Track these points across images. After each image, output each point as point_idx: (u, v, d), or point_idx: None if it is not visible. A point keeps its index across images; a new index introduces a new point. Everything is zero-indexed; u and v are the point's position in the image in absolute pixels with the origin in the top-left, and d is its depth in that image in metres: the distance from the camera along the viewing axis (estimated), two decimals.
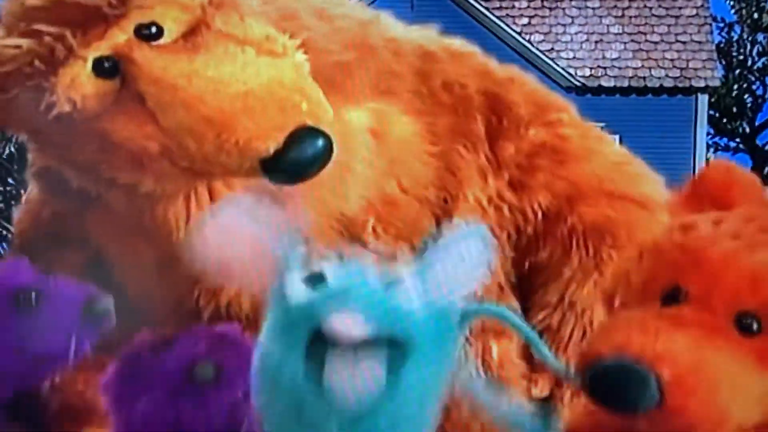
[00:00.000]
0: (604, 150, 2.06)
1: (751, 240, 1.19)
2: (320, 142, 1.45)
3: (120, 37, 1.53)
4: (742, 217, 1.24)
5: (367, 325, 1.06)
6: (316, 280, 1.12)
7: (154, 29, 1.56)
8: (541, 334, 1.85)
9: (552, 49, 17.59)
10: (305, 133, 1.44)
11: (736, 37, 22.21)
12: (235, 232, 1.17)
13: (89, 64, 1.52)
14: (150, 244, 1.76)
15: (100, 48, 1.52)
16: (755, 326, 1.16)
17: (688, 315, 1.17)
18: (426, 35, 2.03)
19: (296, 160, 1.44)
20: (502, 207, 1.92)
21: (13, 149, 19.21)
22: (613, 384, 1.14)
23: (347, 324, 1.06)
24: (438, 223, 1.87)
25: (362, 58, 1.89)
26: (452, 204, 1.89)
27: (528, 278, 1.94)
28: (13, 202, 20.06)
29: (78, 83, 1.50)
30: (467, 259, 1.15)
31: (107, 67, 1.52)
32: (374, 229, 1.83)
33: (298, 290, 1.11)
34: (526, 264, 1.92)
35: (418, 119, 1.89)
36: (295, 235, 1.17)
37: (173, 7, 1.57)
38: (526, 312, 1.93)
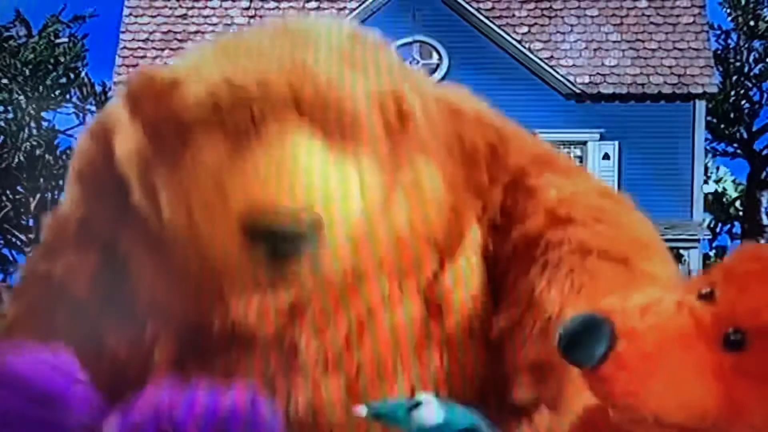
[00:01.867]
0: (610, 212, 2.07)
1: None
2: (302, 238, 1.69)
3: None
4: None
5: None
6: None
7: None
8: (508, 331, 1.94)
9: (552, 57, 17.57)
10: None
11: (733, 44, 22.04)
12: None
13: None
14: (176, 262, 1.87)
15: None
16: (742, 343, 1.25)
17: (696, 309, 1.25)
18: (451, 91, 2.17)
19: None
20: (487, 250, 2.01)
21: (22, 158, 19.33)
22: (571, 331, 1.25)
23: None
24: (441, 263, 1.98)
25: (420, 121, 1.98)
26: (454, 246, 1.99)
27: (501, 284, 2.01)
28: (22, 210, 20.18)
29: None
30: None
31: None
32: (382, 264, 1.92)
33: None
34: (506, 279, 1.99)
35: (441, 171, 2.00)
36: None
37: None
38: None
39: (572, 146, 16.79)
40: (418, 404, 1.49)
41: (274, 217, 1.67)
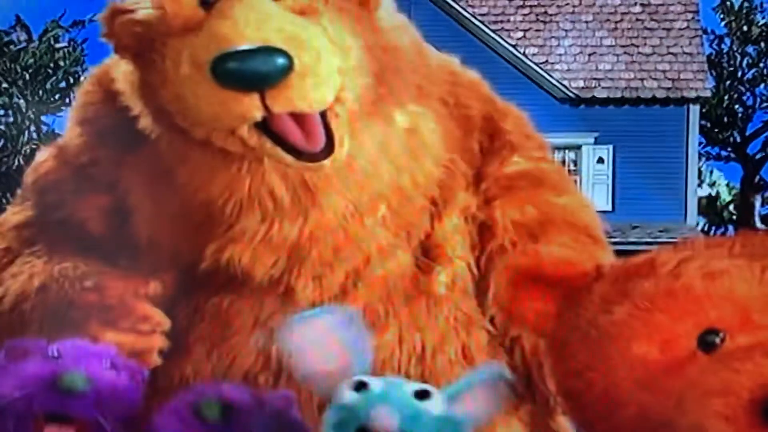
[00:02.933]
0: (574, 190, 2.21)
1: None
2: (276, 58, 1.62)
3: None
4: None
5: (397, 421, 1.36)
6: (361, 386, 1.41)
7: None
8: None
9: (546, 61, 17.62)
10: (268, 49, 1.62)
11: (726, 49, 22.04)
12: (328, 343, 1.44)
13: None
14: (180, 195, 1.88)
15: None
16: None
17: None
18: (450, 58, 2.18)
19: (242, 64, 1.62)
20: (475, 217, 2.05)
21: (21, 161, 19.39)
22: None
23: (384, 416, 1.36)
24: (432, 223, 2.00)
25: (414, 61, 1.99)
26: (443, 208, 2.01)
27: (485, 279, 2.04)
28: None
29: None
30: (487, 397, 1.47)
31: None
32: (384, 217, 1.95)
33: (349, 394, 1.40)
34: (489, 271, 2.00)
35: (440, 126, 2.02)
36: (368, 354, 1.48)
37: None
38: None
39: (567, 150, 16.80)
40: (426, 393, 1.44)
41: (233, 55, 1.64)
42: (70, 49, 20.69)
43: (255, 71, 1.63)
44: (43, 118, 20.25)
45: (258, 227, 1.85)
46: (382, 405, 1.38)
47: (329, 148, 1.76)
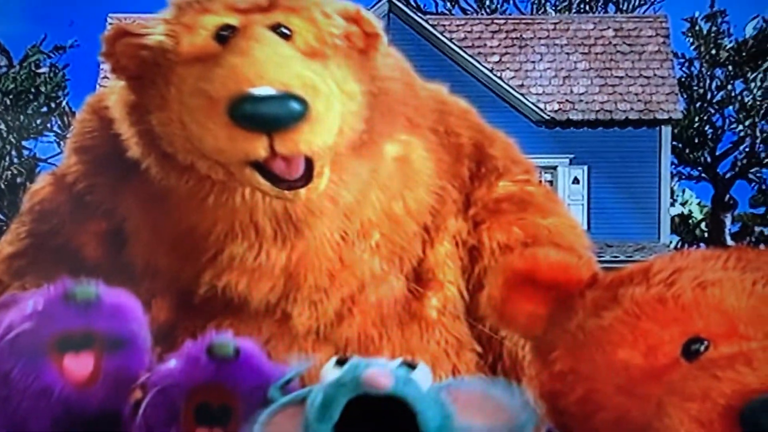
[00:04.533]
0: (561, 212, 2.23)
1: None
2: (293, 105, 1.61)
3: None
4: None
5: (392, 378, 1.25)
6: (342, 361, 1.33)
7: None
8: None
9: (522, 84, 17.69)
10: (283, 95, 1.62)
11: (696, 72, 22.11)
12: None
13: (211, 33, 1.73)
14: (171, 221, 1.89)
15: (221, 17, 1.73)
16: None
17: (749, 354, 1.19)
18: (439, 88, 2.22)
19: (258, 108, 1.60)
20: (465, 243, 2.08)
21: (3, 186, 19.26)
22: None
23: (379, 374, 1.25)
24: (423, 249, 2.03)
25: (405, 94, 2.03)
26: (435, 234, 2.05)
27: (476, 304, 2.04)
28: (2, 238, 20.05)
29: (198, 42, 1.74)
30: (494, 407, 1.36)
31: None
32: (377, 243, 1.97)
33: (333, 371, 1.31)
34: (477, 295, 2.01)
35: (431, 154, 2.06)
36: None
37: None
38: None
39: (543, 171, 16.85)
40: (412, 365, 1.36)
41: (258, 99, 1.64)
42: (51, 74, 20.59)
43: (273, 116, 1.64)
44: (24, 143, 20.15)
45: (245, 254, 1.87)
46: (373, 367, 1.29)
47: (308, 177, 1.75)
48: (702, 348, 1.24)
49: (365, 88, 1.85)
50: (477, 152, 2.14)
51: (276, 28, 1.75)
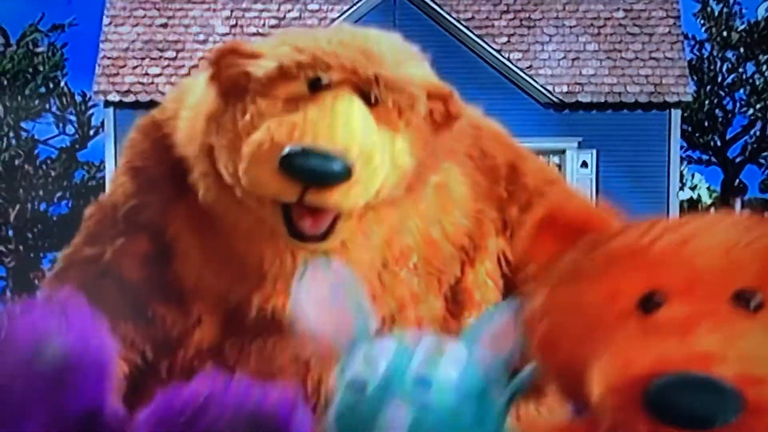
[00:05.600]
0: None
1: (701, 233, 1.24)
2: (336, 166, 1.72)
3: None
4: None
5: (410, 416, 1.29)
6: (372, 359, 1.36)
7: None
8: None
9: (530, 66, 17.67)
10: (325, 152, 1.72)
11: (706, 54, 22.18)
12: (330, 301, 1.45)
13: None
14: (221, 244, 1.97)
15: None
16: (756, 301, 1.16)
17: (697, 311, 1.15)
18: (473, 110, 2.25)
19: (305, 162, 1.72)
20: (507, 261, 2.12)
21: (1, 168, 19.16)
22: (690, 399, 1.05)
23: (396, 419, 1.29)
24: (463, 269, 2.10)
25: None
26: (474, 255, 2.12)
27: None
28: (1, 221, 19.98)
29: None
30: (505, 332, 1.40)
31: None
32: (415, 265, 2.05)
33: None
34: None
35: (467, 178, 2.13)
36: (370, 316, 1.46)
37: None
38: None
39: (551, 154, 16.87)
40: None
41: (309, 152, 1.73)
42: (50, 53, 20.52)
43: (315, 171, 1.73)
44: (22, 123, 20.05)
45: (290, 279, 1.87)
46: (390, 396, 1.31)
47: (329, 232, 1.84)
48: (659, 303, 1.19)
49: (418, 160, 1.92)
50: (512, 173, 2.19)
51: (367, 94, 1.84)
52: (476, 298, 2.08)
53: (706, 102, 21.94)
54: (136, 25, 18.34)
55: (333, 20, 17.04)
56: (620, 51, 17.85)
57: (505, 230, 2.14)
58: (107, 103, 17.55)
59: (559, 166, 17.20)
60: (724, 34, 21.83)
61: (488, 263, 2.11)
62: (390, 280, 2.01)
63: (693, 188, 25.29)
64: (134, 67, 17.78)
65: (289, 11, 18.57)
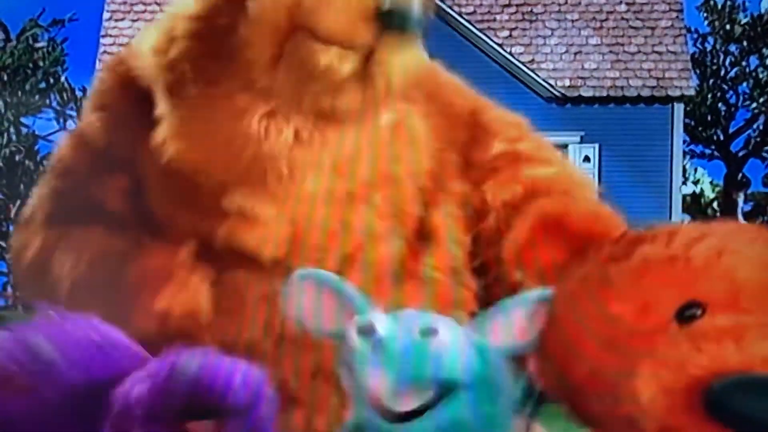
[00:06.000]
0: (555, 160, 2.25)
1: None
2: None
3: None
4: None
5: (416, 399, 1.24)
6: (367, 331, 1.34)
7: None
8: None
9: (532, 60, 17.67)
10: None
11: (709, 48, 22.24)
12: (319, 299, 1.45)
13: None
14: (184, 177, 1.94)
15: None
16: None
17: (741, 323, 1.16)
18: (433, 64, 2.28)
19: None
20: (469, 204, 2.11)
21: (1, 164, 19.15)
22: (754, 399, 1.06)
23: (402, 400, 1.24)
24: (426, 209, 2.08)
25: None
26: (436, 195, 2.10)
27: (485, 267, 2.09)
28: (2, 217, 19.98)
29: None
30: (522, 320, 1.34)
31: None
32: (377, 206, 2.03)
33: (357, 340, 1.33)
34: (483, 256, 2.07)
35: (427, 120, 2.14)
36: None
37: None
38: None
39: None
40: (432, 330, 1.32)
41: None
42: (50, 48, 20.47)
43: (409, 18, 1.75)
44: (22, 119, 20.02)
45: (254, 209, 1.94)
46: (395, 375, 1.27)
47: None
48: (697, 314, 1.19)
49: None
50: (472, 118, 2.19)
51: None
52: (439, 239, 2.07)
53: (709, 96, 22.08)
54: (137, 20, 18.34)
55: None
56: (623, 45, 17.84)
57: (468, 174, 2.13)
58: None
59: None
60: (727, 27, 21.90)
61: (450, 205, 2.09)
62: (351, 218, 2.00)
63: (696, 182, 25.36)
64: None
65: None
